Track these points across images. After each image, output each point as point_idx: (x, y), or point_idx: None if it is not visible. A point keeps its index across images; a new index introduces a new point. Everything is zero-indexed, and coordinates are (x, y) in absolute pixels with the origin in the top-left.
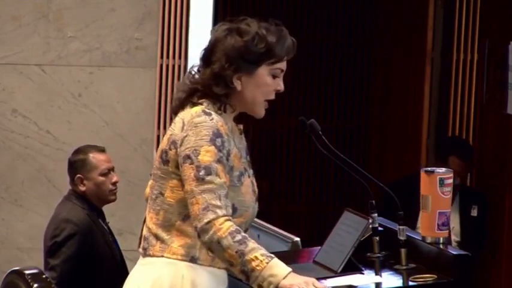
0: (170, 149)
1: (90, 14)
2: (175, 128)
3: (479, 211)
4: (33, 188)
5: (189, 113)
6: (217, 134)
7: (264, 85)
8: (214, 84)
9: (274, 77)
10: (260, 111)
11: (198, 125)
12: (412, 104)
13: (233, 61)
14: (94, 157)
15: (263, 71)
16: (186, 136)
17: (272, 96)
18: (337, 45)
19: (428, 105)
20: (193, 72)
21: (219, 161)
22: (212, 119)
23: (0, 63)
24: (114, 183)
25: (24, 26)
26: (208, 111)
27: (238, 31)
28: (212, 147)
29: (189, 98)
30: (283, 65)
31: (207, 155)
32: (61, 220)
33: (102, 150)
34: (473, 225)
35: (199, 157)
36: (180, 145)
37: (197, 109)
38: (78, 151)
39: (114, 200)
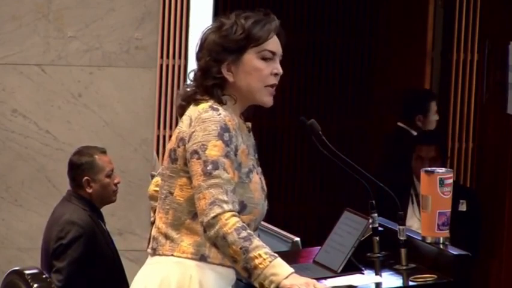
0: (178, 146)
1: (90, 14)
2: (182, 126)
3: (469, 207)
4: (33, 188)
5: (196, 110)
6: (224, 129)
7: (255, 70)
8: (203, 79)
9: (265, 60)
10: (264, 99)
11: (206, 120)
12: None
13: (215, 54)
14: (100, 159)
15: (250, 56)
16: (193, 132)
17: (271, 81)
18: (337, 45)
19: None
20: (191, 76)
21: (226, 156)
22: (220, 114)
23: (0, 63)
24: (116, 184)
25: (24, 26)
26: (215, 106)
27: (218, 26)
28: (220, 142)
29: (192, 97)
30: (270, 46)
31: (214, 150)
32: (66, 222)
33: (104, 151)
34: (463, 221)
35: (206, 152)
36: (188, 141)
37: (204, 105)
38: (81, 153)
39: (115, 201)
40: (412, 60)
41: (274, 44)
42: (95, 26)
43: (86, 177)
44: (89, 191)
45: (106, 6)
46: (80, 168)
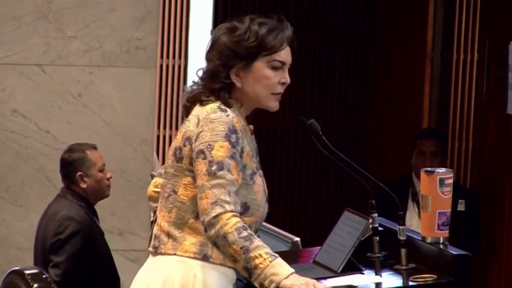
0: (185, 146)
1: (90, 14)
2: (189, 125)
3: (467, 207)
4: (33, 188)
5: (203, 110)
6: (232, 131)
7: (263, 78)
8: (210, 81)
9: (275, 69)
10: (270, 104)
11: (214, 120)
12: (412, 104)
13: (225, 58)
14: (91, 154)
15: (260, 64)
16: (201, 132)
17: (277, 89)
18: (337, 45)
19: (428, 105)
20: (199, 74)
21: (232, 157)
22: (228, 115)
23: (0, 63)
24: (109, 179)
25: (24, 26)
26: (223, 107)
27: (231, 29)
28: (226, 143)
29: (197, 97)
30: (281, 56)
31: (220, 151)
32: (64, 218)
33: (95, 147)
34: (462, 221)
35: (212, 152)
36: (195, 140)
37: (212, 106)
38: (73, 150)
39: (108, 196)
40: (412, 60)
41: (285, 53)
42: (95, 26)
43: (79, 173)
44: (83, 186)
45: (106, 6)
46: (73, 164)
